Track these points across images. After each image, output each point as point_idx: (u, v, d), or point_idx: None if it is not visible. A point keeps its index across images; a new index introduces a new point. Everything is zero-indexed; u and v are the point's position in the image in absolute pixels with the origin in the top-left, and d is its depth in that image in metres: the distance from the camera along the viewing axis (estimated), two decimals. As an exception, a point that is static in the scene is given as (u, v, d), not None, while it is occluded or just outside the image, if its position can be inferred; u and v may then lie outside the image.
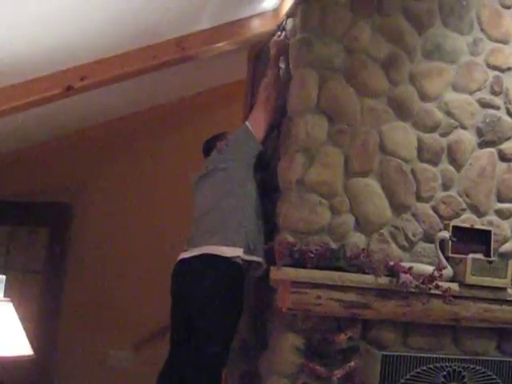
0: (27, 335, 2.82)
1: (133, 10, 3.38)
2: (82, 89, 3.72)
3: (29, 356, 2.63)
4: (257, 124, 3.64)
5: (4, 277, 2.82)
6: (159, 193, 5.35)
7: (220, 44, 3.89)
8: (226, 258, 3.38)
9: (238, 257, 3.40)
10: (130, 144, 5.44)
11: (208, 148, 3.85)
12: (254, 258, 3.46)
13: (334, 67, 3.52)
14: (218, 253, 3.38)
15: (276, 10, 3.98)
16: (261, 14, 3.98)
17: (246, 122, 3.68)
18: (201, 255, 3.41)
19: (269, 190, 3.70)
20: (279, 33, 3.82)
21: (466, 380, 3.61)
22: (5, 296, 2.87)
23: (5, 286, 2.87)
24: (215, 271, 3.38)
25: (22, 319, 2.89)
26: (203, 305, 3.37)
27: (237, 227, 3.44)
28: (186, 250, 3.51)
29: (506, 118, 3.83)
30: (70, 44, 3.43)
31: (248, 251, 3.42)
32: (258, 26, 3.98)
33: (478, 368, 3.64)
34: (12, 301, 2.83)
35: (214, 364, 3.38)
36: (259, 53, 4.40)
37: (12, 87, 3.57)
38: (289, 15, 3.82)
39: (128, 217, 5.36)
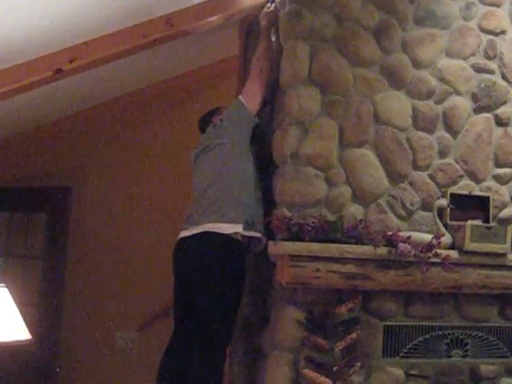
0: (29, 320, 2.82)
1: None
2: (71, 71, 3.67)
3: (27, 340, 2.62)
4: (250, 97, 3.59)
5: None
6: (158, 173, 5.34)
7: (210, 19, 3.83)
8: (226, 234, 3.36)
9: (237, 233, 3.38)
10: (127, 125, 5.40)
11: (203, 124, 3.82)
12: (253, 234, 3.44)
13: (324, 37, 3.48)
14: (217, 230, 3.36)
15: (264, -17, 3.92)
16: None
17: (240, 96, 3.64)
18: (200, 233, 3.39)
19: (264, 165, 3.68)
20: (269, 5, 3.77)
21: (468, 347, 3.61)
22: (3, 281, 2.86)
23: (2, 271, 2.86)
24: (215, 248, 3.37)
25: (24, 304, 2.89)
26: (204, 282, 3.36)
27: (235, 203, 3.42)
28: (186, 229, 3.50)
29: (501, 82, 3.79)
30: (58, 26, 3.39)
31: (247, 227, 3.40)
32: (247, 0, 3.92)
33: (480, 334, 3.64)
34: (8, 286, 2.81)
35: (218, 341, 3.37)
36: (250, 27, 4.35)
37: (0, 72, 3.53)
38: (277, -13, 3.77)
39: (127, 199, 5.35)
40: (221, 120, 3.62)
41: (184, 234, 3.49)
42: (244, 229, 3.39)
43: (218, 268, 3.35)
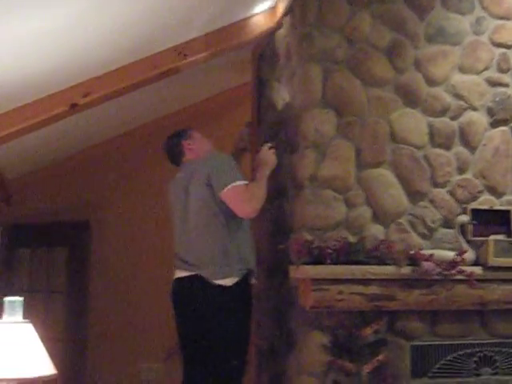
0: (54, 354, 2.81)
1: (130, 23, 3.36)
2: (86, 105, 3.70)
3: (52, 375, 2.61)
4: (249, 198, 3.30)
5: (22, 298, 2.81)
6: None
7: (220, 48, 3.85)
8: None
9: None
10: (144, 157, 5.42)
11: (173, 147, 3.69)
12: (253, 281, 3.43)
13: (336, 59, 3.50)
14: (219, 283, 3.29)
15: (274, 8, 3.94)
16: (259, 14, 3.93)
17: (245, 182, 3.37)
18: (196, 274, 3.31)
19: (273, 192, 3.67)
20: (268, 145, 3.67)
21: (498, 364, 3.55)
22: (27, 317, 2.86)
23: (25, 307, 2.86)
24: (214, 289, 3.29)
25: (49, 339, 2.87)
26: (211, 323, 3.28)
27: (225, 258, 3.30)
28: (181, 268, 3.40)
29: (516, 94, 3.77)
30: (70, 62, 3.42)
31: (247, 273, 3.36)
32: (257, 26, 3.94)
33: (509, 351, 3.58)
34: (33, 322, 2.81)
35: (235, 376, 3.33)
36: (262, 53, 4.37)
37: (15, 110, 3.57)
38: (287, 12, 3.79)
39: (146, 232, 5.35)
40: (212, 172, 3.35)
41: (179, 274, 3.40)
42: (240, 270, 3.33)
43: (220, 307, 3.28)
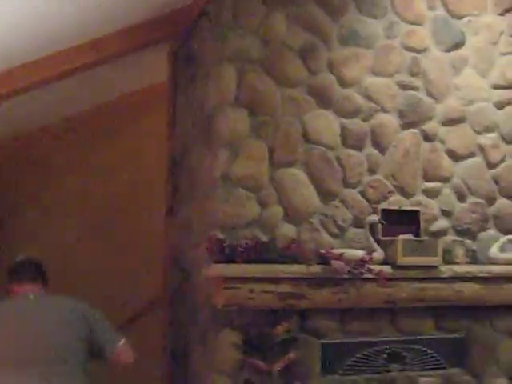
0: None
1: (44, 15, 3.30)
2: (-4, 97, 3.62)
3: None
4: None
5: None
6: (87, 207, 5.25)
7: (135, 44, 3.82)
8: None
9: None
10: (53, 157, 5.29)
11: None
12: None
13: (251, 59, 3.50)
14: None
15: (190, 6, 3.93)
16: (175, 12, 3.91)
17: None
18: None
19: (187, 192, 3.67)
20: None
21: (406, 360, 3.63)
22: None
23: None
24: None
25: None
26: None
27: None
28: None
29: (426, 98, 3.85)
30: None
31: None
32: (172, 24, 3.92)
33: (417, 347, 3.66)
34: None
35: None
36: (178, 51, 4.35)
37: None
38: (203, 11, 3.78)
39: (60, 233, 5.24)
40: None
41: None
42: None
43: None
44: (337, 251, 3.37)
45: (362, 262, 3.33)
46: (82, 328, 3.02)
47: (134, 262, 4.98)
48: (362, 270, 3.33)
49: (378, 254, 3.46)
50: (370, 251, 3.41)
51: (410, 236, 3.57)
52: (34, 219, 5.21)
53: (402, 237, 3.51)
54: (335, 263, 3.30)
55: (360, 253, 3.40)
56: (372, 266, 3.36)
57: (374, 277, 3.37)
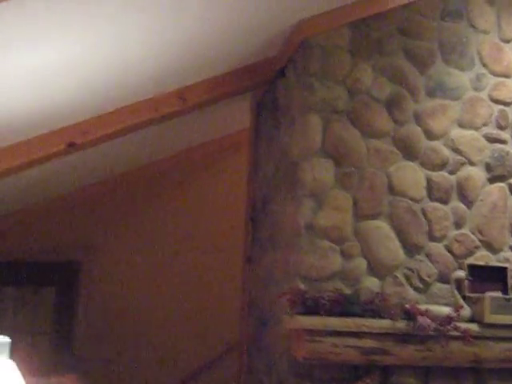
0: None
1: (133, 62, 3.37)
2: (83, 145, 3.68)
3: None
4: None
5: (8, 339, 2.73)
6: (165, 251, 5.29)
7: (219, 93, 3.86)
8: None
9: None
10: (137, 200, 5.40)
11: None
12: None
13: (337, 110, 3.50)
14: None
15: (276, 57, 3.96)
16: (260, 61, 3.95)
17: None
18: None
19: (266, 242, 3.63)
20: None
21: (492, 424, 3.49)
22: (12, 358, 2.78)
23: (12, 348, 2.79)
24: None
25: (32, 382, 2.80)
26: None
27: None
28: None
29: (514, 152, 3.77)
30: (71, 100, 3.41)
31: None
32: (257, 74, 3.96)
33: (503, 411, 3.52)
34: (18, 363, 2.74)
35: None
36: (262, 100, 4.38)
37: (13, 146, 3.54)
38: (290, 60, 3.80)
39: (136, 275, 5.29)
40: None
41: None
42: None
43: None
44: (423, 307, 3.28)
45: (448, 318, 3.23)
46: None
47: (211, 310, 4.98)
48: (448, 327, 3.23)
49: (465, 311, 3.36)
50: (457, 308, 3.30)
51: (497, 293, 3.45)
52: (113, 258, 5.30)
53: (489, 294, 3.40)
54: (421, 319, 3.21)
55: (446, 309, 3.30)
56: (458, 324, 3.26)
57: (460, 335, 3.26)
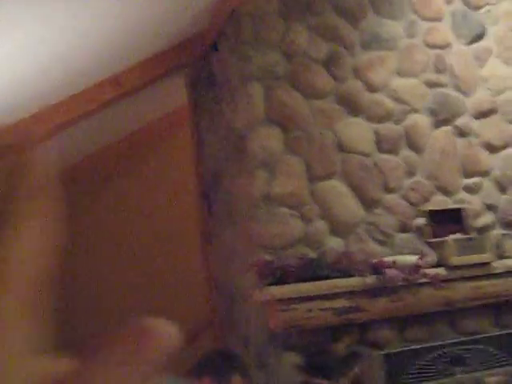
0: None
1: (65, 57, 3.26)
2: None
3: None
4: None
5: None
6: (120, 236, 5.20)
7: (155, 74, 3.78)
8: None
9: None
10: (85, 191, 5.26)
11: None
12: None
13: (276, 75, 3.46)
14: None
15: (206, 31, 3.88)
16: (192, 37, 3.87)
17: None
18: None
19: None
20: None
21: (470, 361, 3.54)
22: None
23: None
24: None
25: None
26: None
27: None
28: None
29: (455, 94, 3.80)
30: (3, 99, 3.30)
31: None
32: (190, 49, 3.88)
33: (479, 347, 3.58)
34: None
35: None
36: (198, 76, 4.30)
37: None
38: (221, 33, 3.73)
39: (91, 264, 5.19)
40: None
41: None
42: None
43: None
44: (389, 259, 3.30)
45: (416, 267, 3.26)
46: None
47: (173, 292, 4.91)
48: (417, 276, 3.26)
49: (430, 256, 3.39)
50: (423, 255, 3.33)
51: (459, 235, 3.49)
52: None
53: (452, 237, 3.44)
54: (389, 271, 3.23)
55: (412, 258, 3.32)
56: (427, 271, 3.29)
57: (428, 281, 3.30)
